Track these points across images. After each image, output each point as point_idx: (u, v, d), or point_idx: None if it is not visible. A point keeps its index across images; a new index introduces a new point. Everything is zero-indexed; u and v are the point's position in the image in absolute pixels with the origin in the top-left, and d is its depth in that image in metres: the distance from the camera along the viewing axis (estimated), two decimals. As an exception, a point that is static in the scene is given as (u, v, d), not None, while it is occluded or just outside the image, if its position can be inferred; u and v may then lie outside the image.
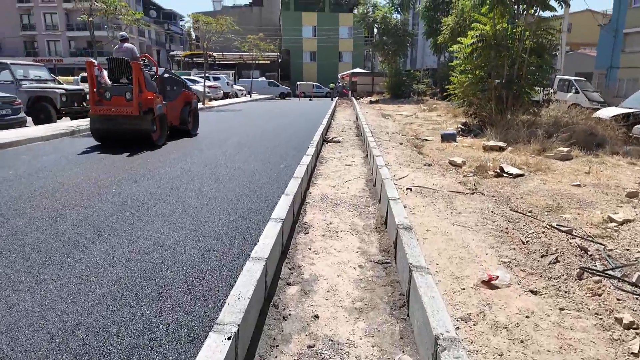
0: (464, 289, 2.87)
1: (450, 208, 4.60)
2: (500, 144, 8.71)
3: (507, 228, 4.04)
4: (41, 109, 11.27)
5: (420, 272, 2.52)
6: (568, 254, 3.42)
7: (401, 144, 9.26)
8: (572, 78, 19.02)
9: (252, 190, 5.04)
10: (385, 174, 5.03)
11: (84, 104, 12.43)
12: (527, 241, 3.74)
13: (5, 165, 6.15)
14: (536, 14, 10.87)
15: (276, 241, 3.01)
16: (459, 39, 11.81)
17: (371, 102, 28.67)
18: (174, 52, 50.18)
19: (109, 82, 8.47)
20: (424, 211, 4.45)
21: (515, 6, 11.33)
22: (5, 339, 2.15)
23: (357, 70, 43.93)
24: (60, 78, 27.30)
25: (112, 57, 8.57)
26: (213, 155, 7.34)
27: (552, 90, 15.24)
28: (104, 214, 4.05)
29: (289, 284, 2.91)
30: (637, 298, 2.81)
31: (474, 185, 5.59)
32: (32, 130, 9.33)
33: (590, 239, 3.84)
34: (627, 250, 3.52)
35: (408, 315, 2.57)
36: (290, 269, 3.13)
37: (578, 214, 4.55)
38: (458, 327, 2.37)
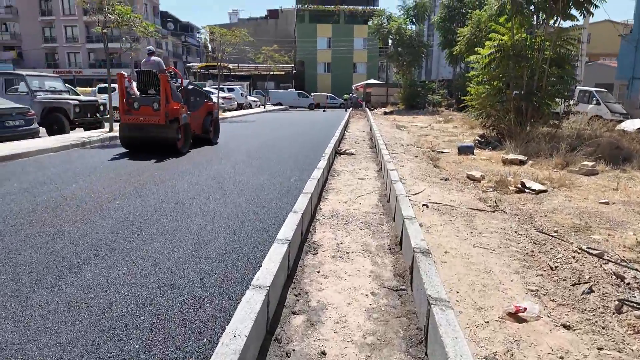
0: (488, 322, 2.58)
1: (470, 227, 4.30)
2: (521, 157, 8.36)
3: (532, 251, 3.73)
4: (55, 119, 11.30)
5: (440, 306, 2.24)
6: (603, 283, 3.10)
7: (416, 156, 8.98)
8: (592, 89, 18.52)
9: (259, 205, 4.81)
10: (399, 190, 4.76)
11: (97, 115, 12.47)
12: (555, 266, 3.42)
13: (11, 177, 6.05)
14: (556, 24, 10.55)
15: (281, 265, 2.77)
16: (476, 49, 11.54)
17: (385, 113, 28.42)
18: (190, 64, 50.78)
19: (138, 93, 9.02)
20: (442, 230, 4.17)
21: (534, 16, 11.04)
22: (-24, 377, 1.94)
23: (372, 81, 43.80)
24: (78, 89, 27.79)
25: (140, 70, 9.08)
26: (222, 168, 7.16)
27: (573, 102, 14.79)
28: (103, 231, 3.86)
29: (294, 313, 2.66)
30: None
31: (495, 202, 5.28)
32: (42, 141, 9.32)
33: (625, 264, 3.51)
34: (670, 279, 3.19)
35: (426, 354, 2.29)
36: (296, 295, 2.88)
37: (609, 234, 4.22)
38: (484, 372, 2.09)
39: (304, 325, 2.51)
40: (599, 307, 2.79)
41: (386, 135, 13.15)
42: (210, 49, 44.40)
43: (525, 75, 10.54)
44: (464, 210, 4.90)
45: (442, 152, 9.94)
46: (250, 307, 2.17)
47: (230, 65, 41.08)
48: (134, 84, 9.11)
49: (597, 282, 3.11)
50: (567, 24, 10.75)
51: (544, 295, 2.98)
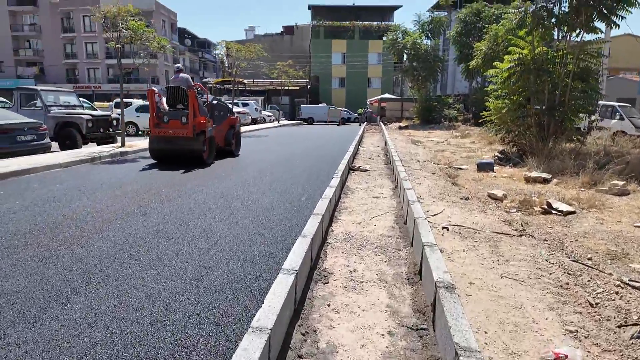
0: (524, 372, 2.23)
1: (496, 254, 3.94)
2: (544, 175, 7.95)
3: (567, 283, 3.36)
4: (67, 134, 11.29)
5: (470, 358, 1.90)
6: (655, 324, 2.71)
7: (433, 173, 8.62)
8: (615, 104, 17.94)
9: (267, 227, 4.52)
10: (417, 212, 4.42)
11: (110, 129, 12.44)
12: (596, 303, 3.04)
13: (15, 194, 5.90)
14: (579, 37, 10.17)
15: (286, 301, 2.46)
16: (494, 63, 11.20)
17: (400, 127, 28.11)
18: (207, 79, 51.39)
19: (167, 108, 9.59)
20: (465, 257, 3.81)
21: (556, 29, 10.69)
22: None
23: (386, 95, 43.64)
24: (96, 104, 28.19)
25: (170, 86, 9.71)
26: (231, 185, 6.92)
27: (597, 117, 14.28)
28: (99, 255, 3.61)
29: (300, 357, 2.34)
30: None
31: (521, 225, 4.90)
32: (52, 156, 9.25)
33: (676, 300, 3.11)
34: None
35: (454, 415, 1.95)
36: (303, 335, 2.56)
37: (651, 264, 3.81)
38: None
39: (311, 373, 2.20)
40: (654, 356, 2.41)
41: (401, 150, 12.83)
42: (226, 65, 44.94)
43: (546, 90, 10.16)
44: (488, 234, 4.54)
45: (461, 169, 9.56)
46: (247, 356, 1.87)
47: (245, 81, 41.39)
48: (164, 99, 9.70)
49: (648, 323, 2.72)
50: (589, 36, 10.39)
51: (585, 337, 2.62)
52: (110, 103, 26.44)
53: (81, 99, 18.72)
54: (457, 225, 4.79)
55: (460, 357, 1.92)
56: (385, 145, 14.59)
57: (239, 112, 24.00)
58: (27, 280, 3.09)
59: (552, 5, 9.97)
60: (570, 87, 9.87)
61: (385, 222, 5.06)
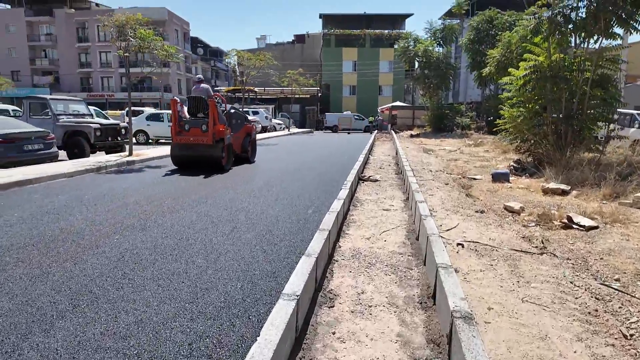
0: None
1: (516, 274, 3.65)
2: (563, 186, 7.60)
3: (596, 310, 3.06)
4: (75, 143, 11.25)
5: (494, 410, 1.64)
6: (700, 362, 2.41)
7: (446, 184, 8.33)
8: (634, 112, 17.42)
9: (270, 243, 4.29)
10: (430, 228, 4.15)
11: (118, 138, 12.38)
12: (631, 334, 2.74)
13: (15, 205, 5.76)
14: (597, 43, 9.83)
15: (285, 334, 2.22)
16: (509, 70, 10.90)
17: (412, 135, 27.79)
18: (218, 88, 51.74)
19: (188, 116, 10.04)
20: (482, 278, 3.53)
21: (573, 35, 10.36)
22: None
23: (397, 103, 43.36)
24: (109, 112, 28.42)
25: (191, 96, 10.16)
26: (236, 196, 6.71)
27: (617, 126, 13.84)
28: (92, 273, 3.41)
29: (300, 397, 2.09)
30: None
31: (542, 241, 4.59)
32: (58, 165, 9.16)
33: None
34: None
35: None
36: (304, 369, 2.32)
37: (687, 287, 3.49)
38: None
39: (312, 418, 1.95)
40: None
41: (413, 159, 12.54)
42: (237, 73, 45.20)
43: (564, 98, 9.82)
44: (506, 251, 4.25)
45: (474, 179, 9.26)
46: (236, 404, 1.63)
47: (256, 89, 41.55)
48: (185, 108, 10.16)
49: (692, 360, 2.42)
50: (607, 43, 10.03)
51: (621, 375, 2.33)
52: (122, 111, 26.61)
53: (93, 107, 18.86)
54: (473, 242, 4.51)
55: (483, 408, 1.66)
56: (397, 154, 14.32)
57: (249, 121, 23.97)
58: (12, 302, 2.89)
59: (569, 11, 9.66)
60: (589, 94, 9.53)
61: (396, 237, 4.79)
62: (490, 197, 7.25)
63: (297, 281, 2.79)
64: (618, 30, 9.56)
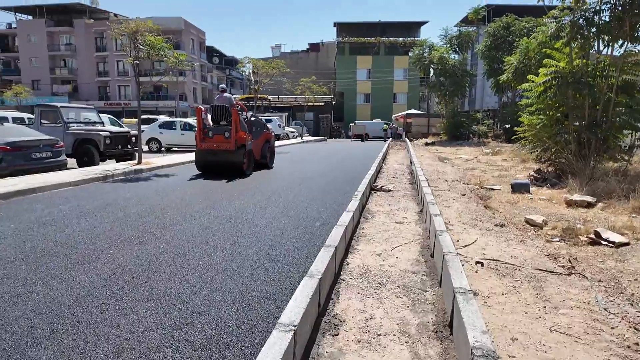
0: None
1: (542, 298, 3.29)
2: (588, 198, 7.16)
3: (637, 343, 2.68)
4: (85, 151, 11.18)
5: None
6: None
7: (463, 195, 7.95)
8: (660, 119, 16.71)
9: (273, 259, 3.99)
10: (447, 245, 3.81)
11: (129, 146, 12.29)
12: (682, 376, 2.37)
13: (13, 215, 5.60)
14: (622, 47, 9.37)
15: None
16: (528, 76, 10.49)
17: (427, 144, 27.34)
18: (233, 96, 52.03)
19: (212, 124, 10.54)
20: (505, 303, 3.18)
21: (595, 40, 9.91)
22: None
23: (412, 111, 42.93)
24: (124, 120, 28.69)
25: (214, 104, 10.69)
26: (241, 206, 6.44)
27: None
28: (78, 292, 3.17)
29: None
30: None
31: (569, 260, 4.21)
32: (64, 174, 9.05)
33: None
34: None
35: None
36: (300, 413, 2.01)
37: None
38: None
39: None
40: None
41: (428, 168, 12.16)
42: (252, 81, 45.54)
43: (587, 105, 9.37)
44: (530, 271, 3.88)
45: (493, 190, 8.85)
46: None
47: (270, 97, 41.61)
48: (209, 116, 10.64)
49: None
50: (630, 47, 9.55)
51: None
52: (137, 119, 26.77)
53: (107, 115, 18.96)
54: (493, 260, 4.15)
55: None
56: (411, 163, 13.95)
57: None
58: (-14, 326, 2.65)
59: (592, 14, 9.23)
60: (614, 101, 9.06)
61: (409, 253, 4.45)
62: (510, 209, 6.85)
63: (295, 308, 2.49)
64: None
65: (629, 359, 2.51)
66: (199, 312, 2.88)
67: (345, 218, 4.86)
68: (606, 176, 8.52)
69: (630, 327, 2.91)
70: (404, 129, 38.51)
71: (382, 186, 8.84)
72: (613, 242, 4.89)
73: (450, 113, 30.94)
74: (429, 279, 3.73)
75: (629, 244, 4.88)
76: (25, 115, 16.69)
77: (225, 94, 10.97)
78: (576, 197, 7.29)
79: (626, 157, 9.76)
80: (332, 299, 3.27)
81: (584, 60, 9.56)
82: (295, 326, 2.28)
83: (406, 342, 2.69)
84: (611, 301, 3.31)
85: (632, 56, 9.33)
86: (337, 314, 3.03)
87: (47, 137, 9.65)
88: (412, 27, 52.64)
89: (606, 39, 9.38)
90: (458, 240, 4.72)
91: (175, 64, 11.21)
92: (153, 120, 22.30)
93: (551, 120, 10.07)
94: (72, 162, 11.46)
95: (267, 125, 13.08)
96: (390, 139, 33.57)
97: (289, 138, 31.17)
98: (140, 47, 10.23)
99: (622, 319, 3.03)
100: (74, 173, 9.21)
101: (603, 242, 4.94)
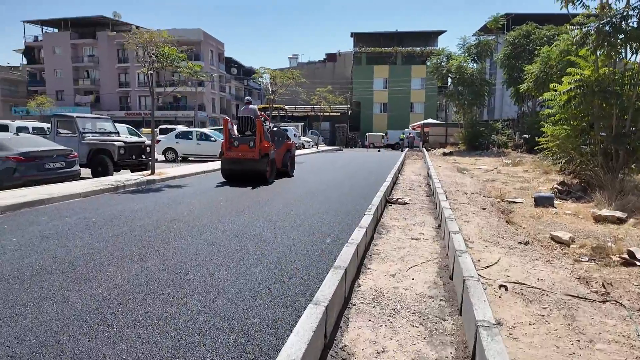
0: None
1: (575, 330, 2.95)
2: (619, 214, 6.72)
3: (691, 388, 2.33)
4: (99, 161, 11.17)
5: None
6: None
7: (484, 208, 7.57)
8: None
9: (279, 280, 3.73)
10: (467, 269, 3.50)
11: (143, 156, 12.25)
12: None
13: (17, 228, 5.48)
14: (652, 54, 8.90)
15: None
16: (551, 85, 10.07)
17: (445, 154, 26.84)
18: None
19: (237, 134, 11.12)
20: (533, 335, 2.85)
21: (623, 47, 9.46)
22: None
23: (429, 120, 42.43)
24: (143, 130, 29.04)
25: (240, 115, 11.23)
26: (249, 221, 6.19)
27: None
28: (68, 315, 2.96)
29: None
30: None
31: (602, 284, 3.84)
32: (74, 185, 8.99)
33: None
34: None
35: None
36: None
37: None
38: None
39: None
40: None
41: (446, 180, 11.77)
42: (270, 91, 45.94)
43: (614, 114, 8.91)
44: (559, 297, 3.53)
45: (515, 203, 8.45)
46: None
47: (286, 107, 41.69)
48: (235, 127, 11.23)
49: None
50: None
51: None
52: (156, 129, 27.04)
53: (126, 125, 19.13)
54: (518, 283, 3.81)
55: None
56: (428, 173, 13.58)
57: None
58: (-36, 354, 2.46)
59: (619, 19, 8.81)
60: (644, 111, 8.60)
61: (426, 274, 4.14)
62: (534, 225, 6.47)
63: (297, 343, 2.22)
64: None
65: (681, 409, 2.17)
66: (193, 342, 2.63)
67: (358, 235, 4.58)
68: (637, 190, 8.04)
69: (679, 367, 2.56)
70: (420, 138, 38.02)
71: (398, 198, 8.53)
72: (649, 264, 4.50)
73: (468, 122, 30.37)
74: (448, 305, 3.42)
75: (667, 266, 4.48)
76: (46, 125, 16.90)
77: (250, 106, 11.39)
78: (605, 212, 6.86)
79: (658, 170, 9.24)
80: (341, 327, 3.00)
81: (611, 68, 9.12)
82: (295, 366, 2.01)
83: (422, 382, 2.39)
84: (654, 334, 2.95)
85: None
86: (345, 346, 2.75)
87: (61, 147, 9.65)
88: (430, 37, 52.32)
89: (634, 45, 8.94)
90: (479, 260, 4.39)
91: (189, 75, 11.18)
92: (171, 130, 22.44)
93: (576, 131, 9.63)
94: (87, 172, 11.47)
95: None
96: (407, 148, 33.15)
97: (304, 148, 31.03)
98: (154, 57, 10.20)
99: (669, 357, 2.68)
100: (86, 184, 9.16)
101: (638, 263, 4.55)
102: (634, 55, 9.15)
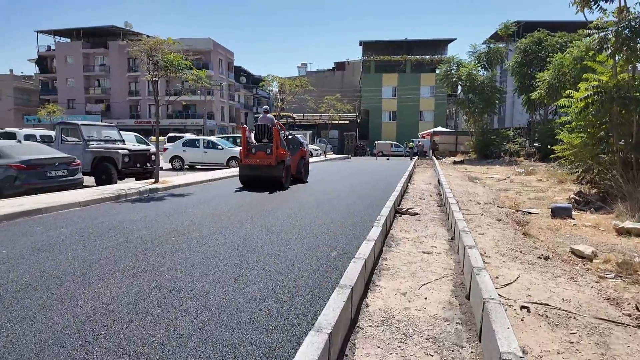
0: None
1: (610, 361, 2.61)
2: (643, 226, 6.33)
3: None
4: (103, 169, 11.01)
5: None
6: None
7: (499, 219, 7.21)
8: None
9: (279, 299, 3.43)
10: (487, 289, 3.18)
11: (148, 164, 12.08)
12: None
13: (9, 240, 5.25)
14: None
15: None
16: (567, 92, 9.72)
17: (455, 162, 26.42)
18: (258, 114, 52.42)
19: (255, 141, 11.51)
20: (563, 367, 2.52)
21: (643, 51, 9.09)
22: None
23: (439, 129, 42.01)
24: (152, 138, 29.11)
25: (257, 124, 11.61)
26: (252, 232, 5.90)
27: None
28: (46, 339, 2.69)
29: None
30: None
31: (636, 307, 3.48)
32: (74, 193, 8.79)
33: None
34: None
35: None
36: None
37: None
38: None
39: None
40: None
41: (457, 189, 11.41)
42: (279, 99, 46.02)
43: (634, 122, 8.53)
44: (588, 320, 3.19)
45: (530, 213, 8.09)
46: None
47: (294, 115, 41.61)
48: (252, 135, 11.59)
49: None
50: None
51: None
52: (164, 137, 27.09)
53: (134, 133, 19.06)
54: (542, 304, 3.47)
55: None
56: (439, 182, 13.22)
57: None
58: None
59: (638, 23, 8.47)
60: (667, 117, 8.21)
61: (440, 293, 3.82)
62: (552, 237, 6.11)
63: (294, 379, 1.93)
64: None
65: None
66: (180, 372, 2.35)
67: (365, 249, 4.27)
68: (662, 201, 7.63)
69: None
70: (430, 146, 37.61)
71: (408, 209, 8.20)
72: (682, 281, 4.14)
73: (479, 131, 29.91)
74: (465, 330, 3.09)
75: (702, 284, 4.11)
76: (53, 133, 16.91)
77: (267, 115, 11.79)
78: (628, 224, 6.48)
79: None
80: (346, 355, 2.69)
81: (630, 74, 8.76)
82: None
83: None
84: (701, 367, 2.60)
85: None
86: (351, 377, 2.44)
87: (64, 155, 9.49)
88: (439, 45, 52.06)
89: (656, 49, 8.58)
90: (497, 277, 4.06)
91: (194, 81, 11.03)
92: (179, 138, 22.38)
93: (593, 139, 9.26)
94: (91, 180, 11.31)
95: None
96: (417, 157, 32.75)
97: (312, 156, 30.80)
98: (157, 64, 10.04)
99: None
100: (87, 192, 8.96)
101: (670, 281, 4.19)
102: (655, 60, 8.79)
